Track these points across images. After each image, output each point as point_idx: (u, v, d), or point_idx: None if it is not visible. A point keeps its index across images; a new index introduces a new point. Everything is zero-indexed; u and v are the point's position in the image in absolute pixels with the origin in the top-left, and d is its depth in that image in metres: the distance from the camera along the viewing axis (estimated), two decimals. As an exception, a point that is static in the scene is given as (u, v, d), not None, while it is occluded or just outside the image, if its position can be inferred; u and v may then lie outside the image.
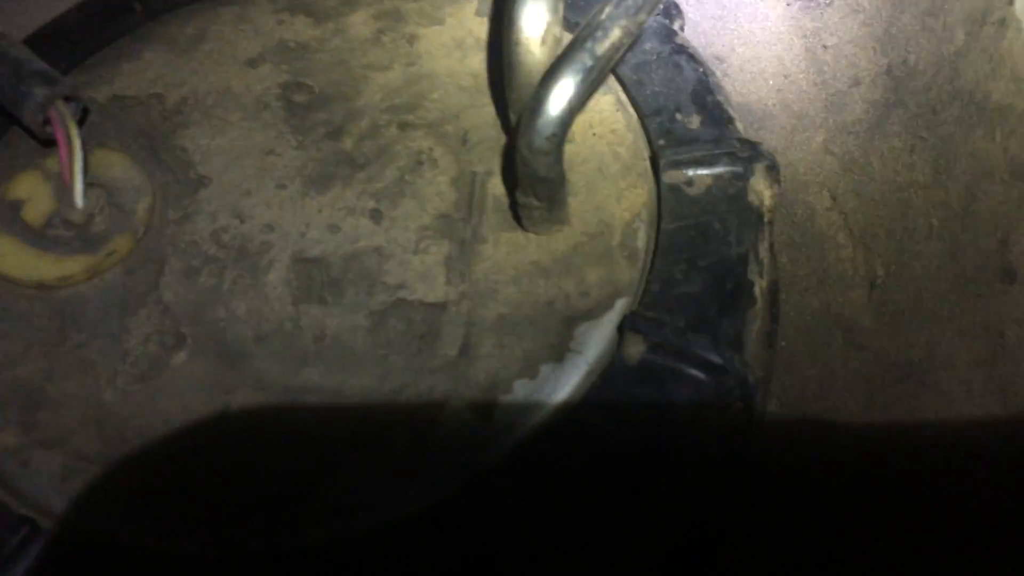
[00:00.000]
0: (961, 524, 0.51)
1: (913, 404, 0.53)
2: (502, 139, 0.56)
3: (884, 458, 0.53)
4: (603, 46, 0.46)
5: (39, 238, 0.52)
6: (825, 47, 0.66)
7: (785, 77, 0.67)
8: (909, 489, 0.52)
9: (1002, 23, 0.55)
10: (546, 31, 0.50)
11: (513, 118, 0.52)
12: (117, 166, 0.55)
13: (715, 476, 0.48)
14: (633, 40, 0.50)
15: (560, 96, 0.46)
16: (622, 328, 0.48)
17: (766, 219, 0.53)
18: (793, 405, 0.55)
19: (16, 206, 0.53)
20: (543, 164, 0.47)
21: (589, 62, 0.46)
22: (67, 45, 0.62)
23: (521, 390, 0.47)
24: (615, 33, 0.47)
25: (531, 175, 0.48)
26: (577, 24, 0.47)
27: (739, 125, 0.55)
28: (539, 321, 0.49)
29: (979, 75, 0.55)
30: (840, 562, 0.53)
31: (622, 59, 0.58)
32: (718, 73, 0.70)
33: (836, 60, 0.65)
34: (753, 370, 0.48)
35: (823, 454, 0.54)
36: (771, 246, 0.55)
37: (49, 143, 0.55)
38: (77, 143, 0.52)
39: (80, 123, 0.55)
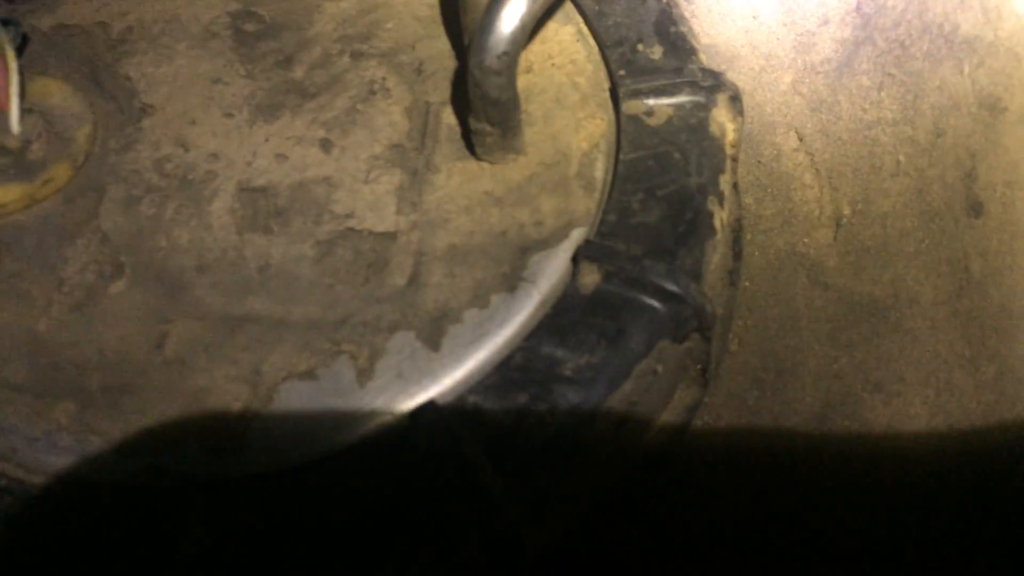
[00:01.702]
0: (924, 465, 0.50)
1: (877, 342, 0.52)
2: (457, 69, 0.54)
3: (847, 400, 0.52)
4: (557, -39, 0.45)
5: (-28, 165, 0.50)
6: (795, -14, 0.65)
7: (754, 18, 0.66)
8: (873, 433, 0.51)
9: (972, -46, 0.53)
10: (500, -51, 0.48)
11: (467, 42, 0.50)
12: (57, 94, 0.53)
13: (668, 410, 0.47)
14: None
15: (511, 13, 0.44)
16: (576, 257, 0.46)
17: (728, 152, 0.51)
18: (755, 345, 0.54)
19: (-51, 133, 0.51)
20: (494, 85, 0.45)
21: (542, -23, 0.44)
22: (10, -26, 0.60)
23: (471, 320, 0.45)
24: (569, -53, 0.45)
25: (483, 97, 0.46)
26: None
27: (702, 56, 0.54)
28: (491, 251, 0.47)
29: (948, 7, 0.54)
30: (797, 513, 0.52)
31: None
32: (686, 14, 0.68)
33: (805, -1, 0.64)
34: (711, 301, 0.46)
35: (784, 395, 0.52)
36: (735, 183, 0.54)
37: (-14, 70, 0.52)
38: (14, 65, 0.50)
39: (20, 51, 0.53)
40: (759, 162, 0.61)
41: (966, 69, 0.53)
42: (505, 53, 0.44)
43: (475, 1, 0.49)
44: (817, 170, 0.59)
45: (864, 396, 0.51)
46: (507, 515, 0.41)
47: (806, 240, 0.57)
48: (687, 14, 0.67)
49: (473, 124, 0.48)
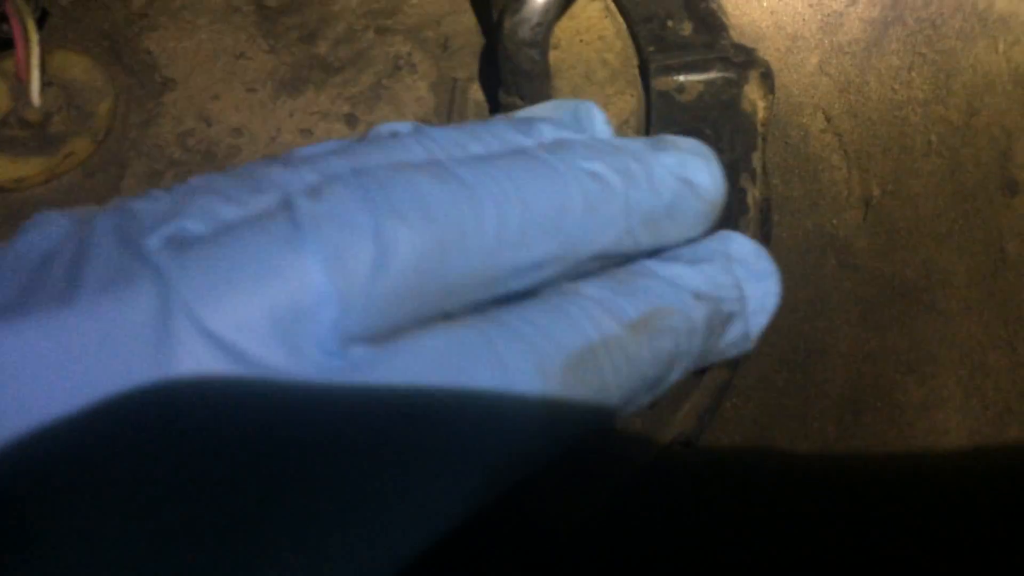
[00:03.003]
0: (959, 447, 0.49)
1: (909, 324, 0.51)
2: (484, 45, 0.53)
3: (878, 382, 0.51)
4: (592, -69, 0.44)
5: (-7, 138, 0.49)
6: (821, -33, 0.64)
7: (779, -1, 0.65)
8: (906, 415, 0.50)
9: (1007, -70, 0.53)
10: (531, -79, 0.47)
11: (496, 15, 0.49)
12: (77, 67, 0.52)
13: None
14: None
15: (546, -17, 0.43)
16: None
17: (759, 129, 0.50)
18: (784, 327, 0.53)
19: (-31, 106, 0.50)
20: (527, 58, 0.45)
21: (576, -53, 0.44)
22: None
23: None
24: (604, -83, 0.44)
25: (515, 70, 0.45)
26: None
27: (733, 32, 0.53)
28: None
29: (982, -16, 0.53)
30: (827, 497, 0.51)
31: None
32: (710, -5, 0.67)
33: (832, -21, 0.63)
34: (744, 279, 0.46)
35: (815, 377, 0.52)
36: (764, 162, 0.53)
37: (6, 44, 0.51)
38: (35, 37, 0.49)
39: (40, 24, 0.52)
40: (786, 143, 0.60)
41: (1001, 47, 0.52)
42: (539, 24, 0.44)
43: (505, -27, 0.48)
44: (845, 151, 0.58)
45: (896, 377, 0.50)
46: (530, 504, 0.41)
47: (835, 221, 0.56)
48: (712, -6, 0.66)
49: (503, 98, 0.47)
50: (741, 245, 0.36)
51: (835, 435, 0.50)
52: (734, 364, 0.50)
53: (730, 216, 0.46)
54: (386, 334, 0.28)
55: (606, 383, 0.30)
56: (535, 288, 0.33)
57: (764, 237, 0.53)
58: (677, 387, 0.46)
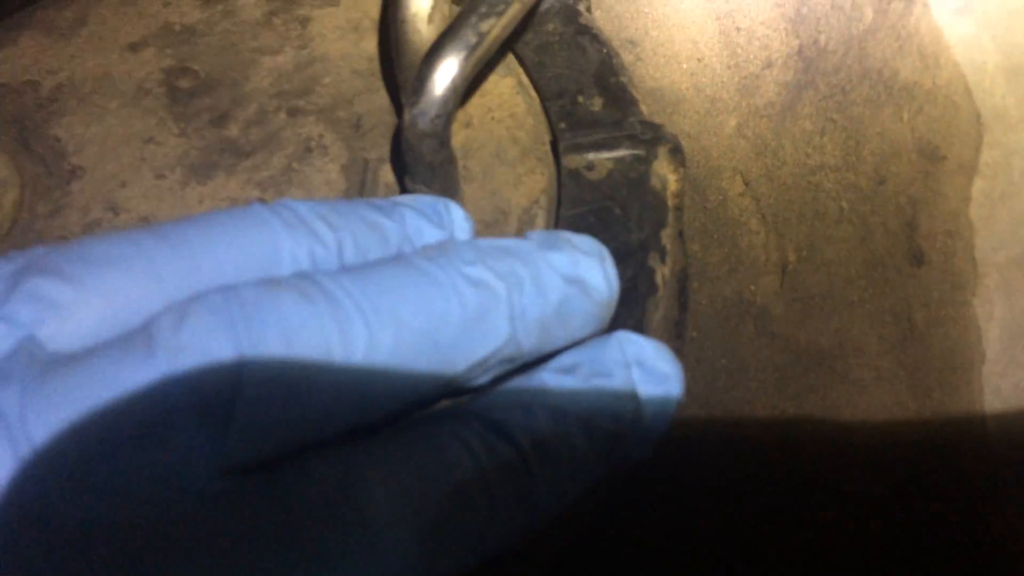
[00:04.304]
0: (870, 512, 0.49)
1: (824, 393, 0.52)
2: (396, 125, 0.53)
3: (796, 450, 0.52)
4: (488, 22, 0.44)
5: None
6: (738, 29, 0.65)
7: (699, 60, 0.66)
8: (818, 479, 0.51)
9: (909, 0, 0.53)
10: (433, 8, 0.47)
11: (403, 101, 0.49)
12: (-17, 157, 0.51)
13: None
14: (525, 14, 0.48)
15: (443, 75, 0.44)
16: (516, 319, 0.45)
17: (670, 204, 0.51)
18: (703, 397, 0.53)
19: None
20: (429, 148, 0.45)
21: (473, 39, 0.44)
22: (-64, 31, 0.58)
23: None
24: (501, 8, 0.44)
25: (418, 160, 0.45)
26: (465, -1, 0.45)
27: (643, 107, 0.53)
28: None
29: (887, 53, 0.54)
30: (751, 556, 0.51)
31: (517, 37, 0.55)
32: (631, 57, 0.68)
33: (749, 42, 0.64)
34: (653, 360, 0.46)
35: (734, 446, 0.52)
36: (680, 232, 0.54)
37: (-91, 134, 0.51)
38: (-66, 131, 0.48)
39: (-56, 112, 0.52)
40: (705, 208, 0.61)
41: (905, 116, 0.53)
42: (438, 116, 0.44)
43: (409, 61, 0.48)
44: (763, 215, 0.59)
45: (811, 448, 0.51)
46: None
47: (752, 287, 0.57)
48: (632, 57, 0.66)
49: (409, 186, 0.47)
50: (640, 348, 0.36)
51: (752, 508, 0.50)
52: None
53: (638, 297, 0.46)
54: (259, 462, 0.28)
55: (486, 517, 0.30)
56: (415, 404, 0.33)
57: (681, 307, 0.53)
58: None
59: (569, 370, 0.34)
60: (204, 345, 0.26)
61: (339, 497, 0.27)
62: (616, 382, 0.35)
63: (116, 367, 0.26)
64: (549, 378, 0.34)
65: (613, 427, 0.33)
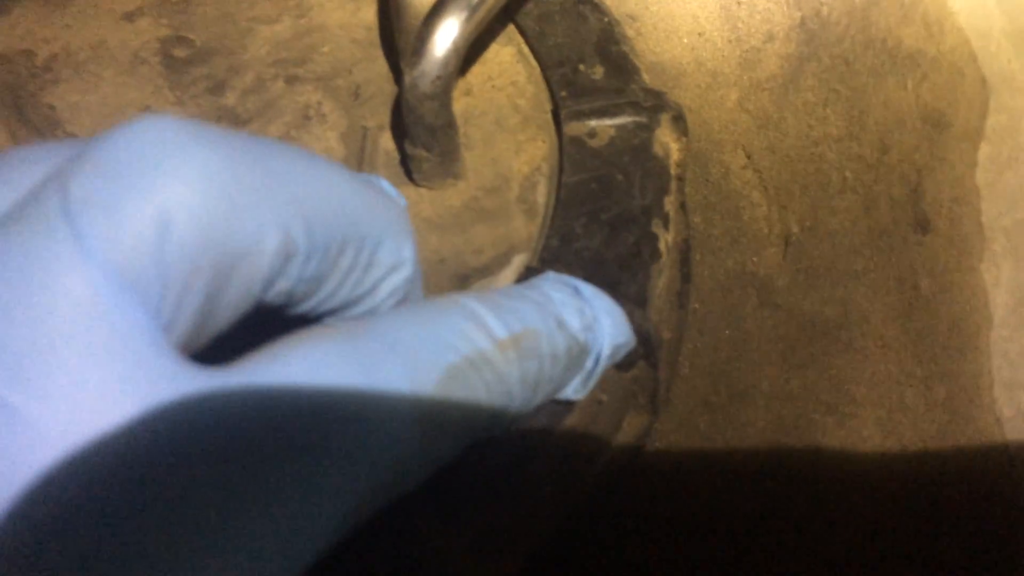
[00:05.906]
0: (876, 487, 0.49)
1: (827, 362, 0.51)
2: (396, 93, 0.53)
3: (799, 423, 0.51)
4: (490, -18, 0.43)
5: None
6: (740, 2, 0.64)
7: (700, 35, 0.65)
8: (825, 456, 0.50)
9: (913, -32, 0.53)
10: (433, -30, 0.47)
11: (403, 66, 0.48)
12: (-23, 125, 0.51)
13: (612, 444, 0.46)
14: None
15: (444, 37, 0.43)
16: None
17: (673, 172, 0.50)
18: (706, 368, 0.53)
19: None
20: (430, 110, 0.44)
21: (474, 0, 0.43)
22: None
23: (410, 352, 0.43)
24: (502, -32, 0.44)
25: (418, 123, 0.45)
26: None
27: (645, 76, 0.53)
28: (430, 279, 0.46)
29: (890, 21, 0.53)
30: (750, 535, 0.50)
31: (518, 6, 0.55)
32: (631, 32, 0.67)
33: (750, 15, 0.63)
34: (656, 326, 0.45)
35: (737, 419, 0.51)
36: (682, 203, 0.53)
37: (-98, 102, 0.50)
38: (-74, 97, 0.48)
39: (-63, 81, 0.51)
40: (707, 181, 0.60)
41: (910, 84, 0.52)
42: (439, 78, 0.43)
43: (409, 24, 0.47)
44: (765, 188, 0.58)
45: (816, 418, 0.50)
46: (445, 556, 0.40)
47: (755, 259, 0.56)
48: (632, 32, 0.66)
49: (409, 150, 0.46)
50: (585, 286, 0.38)
51: (757, 477, 0.50)
52: (655, 409, 0.49)
53: (642, 263, 0.46)
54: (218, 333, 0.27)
55: (477, 398, 0.30)
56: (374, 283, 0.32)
57: (684, 278, 0.53)
58: (592, 438, 0.45)
59: (541, 285, 0.36)
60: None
61: (336, 376, 0.26)
62: (580, 300, 0.37)
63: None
64: (528, 288, 0.35)
65: (579, 337, 0.35)
